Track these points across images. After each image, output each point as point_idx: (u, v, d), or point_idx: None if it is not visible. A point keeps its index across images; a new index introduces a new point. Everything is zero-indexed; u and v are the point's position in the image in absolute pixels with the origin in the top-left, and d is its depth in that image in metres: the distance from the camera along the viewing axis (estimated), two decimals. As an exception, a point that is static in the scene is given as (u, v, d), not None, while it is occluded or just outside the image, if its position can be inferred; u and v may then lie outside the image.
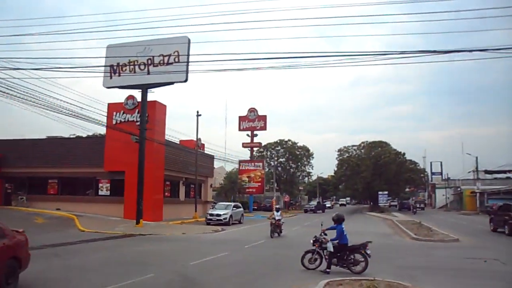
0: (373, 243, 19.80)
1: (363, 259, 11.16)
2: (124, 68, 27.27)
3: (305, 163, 69.93)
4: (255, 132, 57.68)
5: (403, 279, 9.82)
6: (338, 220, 11.64)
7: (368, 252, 11.13)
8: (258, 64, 73.14)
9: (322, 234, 11.77)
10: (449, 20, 27.22)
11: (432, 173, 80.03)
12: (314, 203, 64.42)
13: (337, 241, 11.33)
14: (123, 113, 30.45)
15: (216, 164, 49.93)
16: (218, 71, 17.51)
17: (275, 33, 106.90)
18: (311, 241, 11.88)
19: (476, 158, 58.33)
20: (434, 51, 14.36)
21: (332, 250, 11.19)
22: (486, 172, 65.35)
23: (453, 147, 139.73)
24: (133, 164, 26.47)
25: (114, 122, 30.01)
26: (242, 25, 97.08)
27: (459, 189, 70.11)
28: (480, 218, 45.65)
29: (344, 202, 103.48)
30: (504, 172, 65.84)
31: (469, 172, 65.14)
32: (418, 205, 58.52)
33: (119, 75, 27.44)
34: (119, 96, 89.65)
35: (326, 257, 11.35)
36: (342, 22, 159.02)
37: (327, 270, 11.05)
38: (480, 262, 13.49)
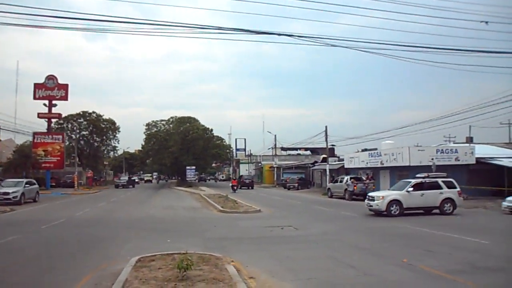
0: (183, 217, 20.66)
1: None
2: None
3: (111, 137, 67.06)
4: (54, 102, 52.00)
5: (214, 251, 10.38)
6: None
7: None
8: (54, 22, 65.31)
9: None
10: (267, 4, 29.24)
11: (237, 149, 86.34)
12: (125, 178, 62.82)
13: None
14: None
15: (4, 136, 43.31)
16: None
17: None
18: None
19: (275, 136, 65.35)
20: (248, 31, 15.28)
21: None
22: (282, 149, 74.25)
23: (256, 125, 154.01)
24: None
25: None
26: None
27: (260, 164, 77.88)
28: (277, 190, 51.80)
29: (150, 178, 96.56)
30: (296, 149, 76.04)
31: (268, 148, 72.79)
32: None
33: None
34: None
35: None
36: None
37: None
38: (278, 230, 15.30)
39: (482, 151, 33.86)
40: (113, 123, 66.31)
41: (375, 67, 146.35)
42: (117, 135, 67.83)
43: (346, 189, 32.57)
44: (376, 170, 35.84)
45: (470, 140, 42.03)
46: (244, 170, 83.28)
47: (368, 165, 36.27)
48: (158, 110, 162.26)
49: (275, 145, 66.79)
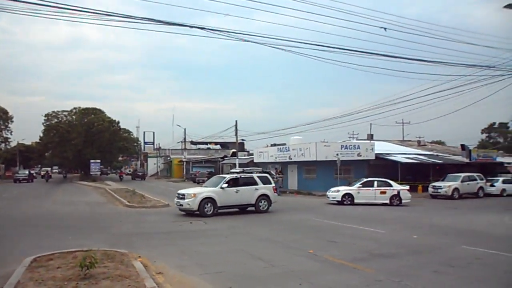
0: (87, 212, 19.56)
1: None
2: None
3: (2, 127, 61.19)
4: None
5: (120, 247, 10.00)
6: None
7: None
8: None
9: None
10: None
11: (145, 143, 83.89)
12: (26, 172, 58.16)
13: None
14: None
15: None
16: None
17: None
18: None
19: (185, 129, 64.55)
20: (159, 21, 14.84)
21: None
22: (192, 143, 73.60)
23: (166, 119, 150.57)
24: None
25: None
26: None
27: (168, 158, 76.40)
28: (186, 184, 51.18)
29: (49, 172, 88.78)
30: (206, 143, 75.92)
31: (178, 142, 71.66)
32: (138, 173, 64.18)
33: None
34: None
35: None
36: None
37: None
38: (187, 224, 15.20)
39: (381, 147, 36.71)
40: (5, 112, 60.63)
41: (287, 64, 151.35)
42: (9, 125, 62.17)
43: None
44: (284, 165, 37.07)
45: (370, 137, 45.27)
46: (153, 163, 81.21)
47: (277, 160, 37.40)
48: (60, 100, 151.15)
49: (185, 139, 65.95)
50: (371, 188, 23.45)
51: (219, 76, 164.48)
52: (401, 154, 35.86)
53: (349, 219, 16.63)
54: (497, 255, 9.79)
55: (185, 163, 64.52)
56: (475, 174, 30.48)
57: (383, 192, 23.27)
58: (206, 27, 15.14)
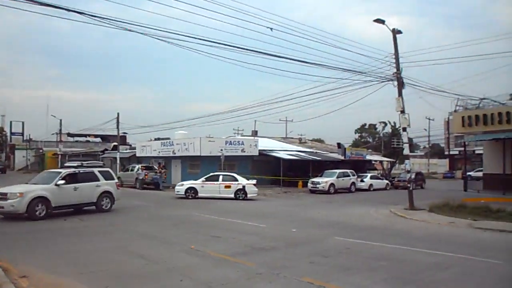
0: None
1: None
2: None
3: None
4: None
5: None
6: None
7: None
8: None
9: None
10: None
11: (12, 133, 76.03)
12: None
13: None
14: None
15: None
16: None
17: None
18: None
19: (60, 120, 59.75)
20: (31, 0, 13.49)
21: None
22: (69, 135, 68.49)
23: (39, 108, 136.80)
24: None
25: None
26: None
27: (41, 150, 70.03)
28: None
29: None
30: (85, 135, 71.28)
31: (52, 134, 66.10)
32: None
33: None
34: None
35: None
36: None
37: None
38: (60, 221, 14.24)
39: (265, 144, 38.19)
40: None
41: (177, 58, 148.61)
42: None
43: (137, 178, 32.44)
44: (168, 159, 36.54)
45: (255, 133, 46.85)
46: (21, 156, 73.72)
47: (161, 154, 36.73)
48: None
49: (60, 130, 61.04)
50: (215, 183, 24.16)
51: (104, 65, 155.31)
52: (284, 151, 37.72)
53: (232, 214, 17.01)
54: (363, 244, 10.87)
55: (60, 156, 59.76)
56: (348, 171, 33.37)
57: (228, 187, 24.00)
58: (86, 12, 14.20)
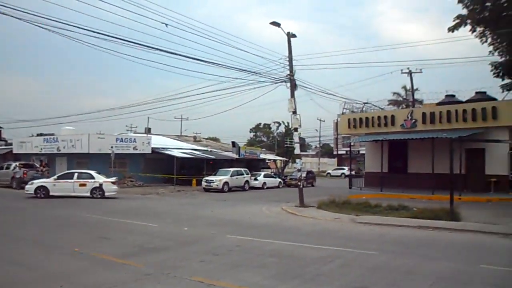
0: None
1: None
2: None
3: None
4: None
5: None
6: None
7: None
8: None
9: None
10: None
11: None
12: None
13: None
14: None
15: None
16: None
17: None
18: None
19: None
20: None
21: None
22: None
23: None
24: None
25: None
26: None
27: None
28: None
29: None
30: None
31: None
32: None
33: None
34: None
35: None
36: None
37: None
38: None
39: (158, 141, 37.34)
40: None
41: (67, 49, 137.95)
42: None
43: (13, 177, 29.64)
44: (52, 157, 33.95)
45: (148, 130, 45.53)
46: None
47: (43, 151, 34.05)
48: None
49: None
50: (70, 181, 23.35)
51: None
52: (178, 149, 37.25)
53: (123, 214, 16.37)
54: (254, 241, 11.12)
55: None
56: (242, 169, 34.01)
57: (83, 185, 23.25)
58: None
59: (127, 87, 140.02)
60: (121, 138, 33.35)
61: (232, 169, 32.74)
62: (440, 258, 9.21)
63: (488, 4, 23.01)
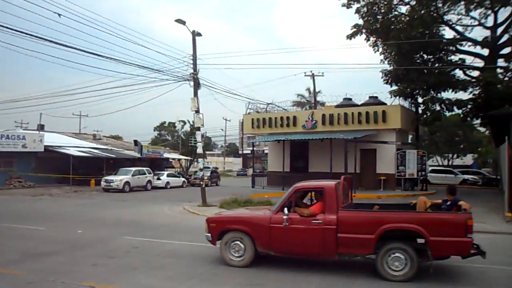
0: None
1: None
2: None
3: None
4: None
5: None
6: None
7: None
8: None
9: None
10: None
11: None
12: None
13: None
14: None
15: None
16: None
17: None
18: None
19: None
20: None
21: None
22: None
23: None
24: None
25: None
26: None
27: None
28: None
29: None
30: None
31: None
32: None
33: None
34: None
35: None
36: None
37: None
38: None
39: (53, 139, 34.93)
40: None
41: None
42: None
43: None
44: None
45: (41, 127, 42.32)
46: None
47: None
48: None
49: None
50: None
51: None
52: (75, 147, 35.18)
53: (6, 218, 15.04)
54: (153, 242, 10.89)
55: None
56: (144, 169, 33.10)
57: None
58: None
59: (22, 81, 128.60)
60: (7, 135, 30.53)
61: (133, 169, 31.71)
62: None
63: (379, 17, 25.11)
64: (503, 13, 23.95)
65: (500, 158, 20.26)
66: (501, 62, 24.60)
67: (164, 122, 73.19)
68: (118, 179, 29.58)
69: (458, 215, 7.53)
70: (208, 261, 8.78)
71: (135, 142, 40.51)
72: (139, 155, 38.05)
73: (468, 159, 54.62)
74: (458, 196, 8.36)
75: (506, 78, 23.52)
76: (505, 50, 24.53)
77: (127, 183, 29.80)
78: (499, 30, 24.06)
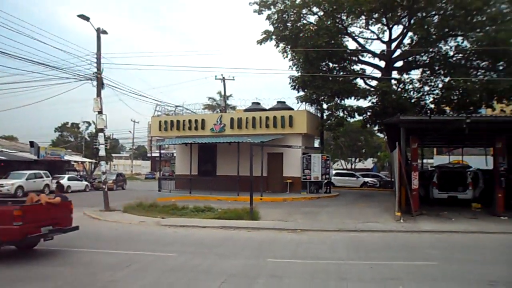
0: None
1: None
2: None
3: None
4: None
5: None
6: None
7: None
8: None
9: None
10: None
11: None
12: None
13: None
14: None
15: None
16: None
17: None
18: None
19: None
20: None
21: None
22: None
23: None
24: None
25: None
26: None
27: None
28: None
29: None
30: None
31: None
32: None
33: None
34: None
35: None
36: None
37: None
38: None
39: None
40: None
41: None
42: None
43: None
44: None
45: None
46: None
47: None
48: None
49: None
50: None
51: None
52: None
53: None
54: (44, 252, 10.22)
55: None
56: (41, 172, 30.91)
57: None
58: None
59: None
60: None
61: (28, 172, 29.45)
62: (236, 255, 9.96)
63: (289, 24, 26.02)
64: (396, 30, 26.26)
65: (393, 162, 22.02)
66: (395, 74, 26.76)
67: (67, 123, 68.90)
68: (9, 183, 27.23)
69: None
70: (107, 269, 8.46)
71: (31, 143, 37.65)
72: (35, 157, 35.44)
73: (369, 163, 58.37)
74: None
75: (398, 89, 25.58)
76: (398, 64, 26.76)
77: (20, 187, 27.55)
78: (393, 45, 26.17)
